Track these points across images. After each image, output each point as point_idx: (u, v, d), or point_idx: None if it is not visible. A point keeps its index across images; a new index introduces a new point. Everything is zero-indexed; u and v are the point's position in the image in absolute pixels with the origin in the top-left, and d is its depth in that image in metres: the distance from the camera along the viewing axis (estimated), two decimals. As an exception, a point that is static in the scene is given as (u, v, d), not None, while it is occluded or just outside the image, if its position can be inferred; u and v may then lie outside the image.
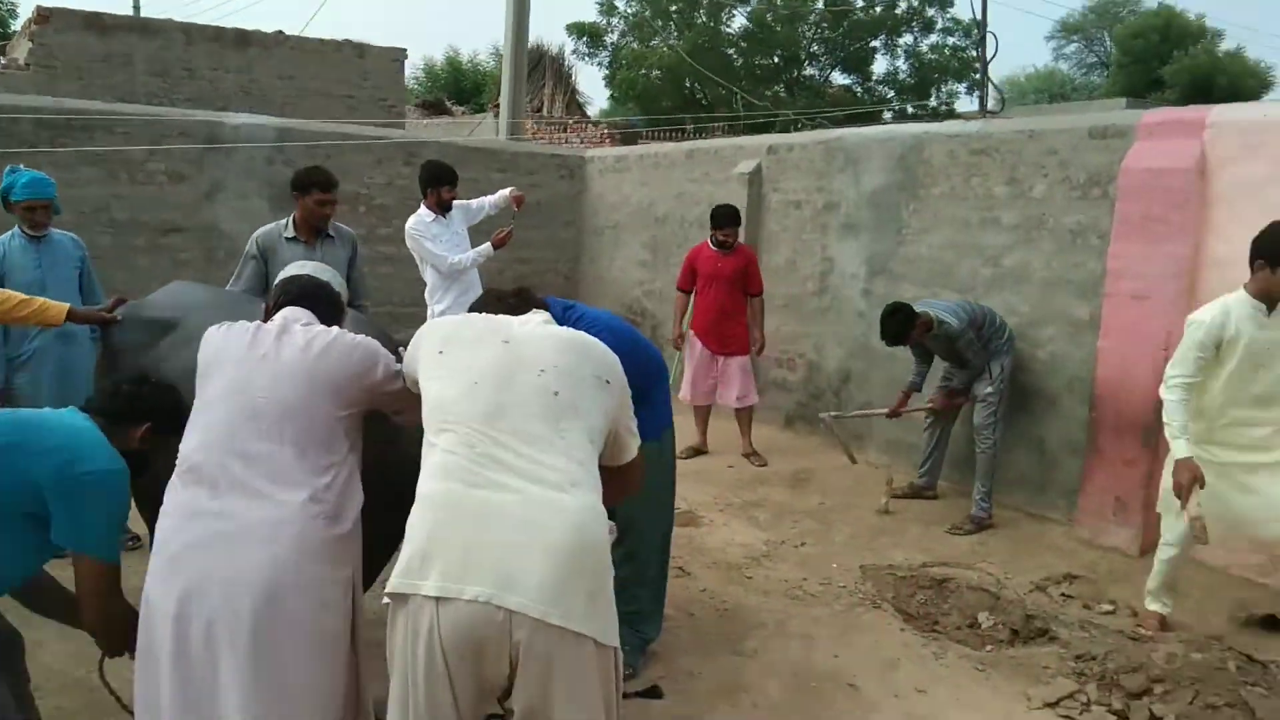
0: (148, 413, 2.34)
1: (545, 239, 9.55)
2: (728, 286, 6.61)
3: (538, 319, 2.33)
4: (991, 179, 5.73)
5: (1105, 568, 4.78)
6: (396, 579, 1.86)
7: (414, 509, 1.93)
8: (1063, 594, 4.47)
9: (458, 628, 1.81)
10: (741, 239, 7.52)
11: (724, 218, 6.57)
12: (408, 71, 16.41)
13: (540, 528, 1.87)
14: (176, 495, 2.13)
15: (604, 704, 1.92)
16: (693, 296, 6.84)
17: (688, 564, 4.68)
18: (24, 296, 3.25)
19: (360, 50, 14.36)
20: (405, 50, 14.85)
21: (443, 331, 2.23)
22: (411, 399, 2.29)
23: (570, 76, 24.42)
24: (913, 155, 6.26)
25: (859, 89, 25.39)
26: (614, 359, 2.28)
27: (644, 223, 8.85)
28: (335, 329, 2.36)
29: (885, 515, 5.53)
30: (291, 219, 4.80)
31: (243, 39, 13.52)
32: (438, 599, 1.81)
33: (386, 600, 1.89)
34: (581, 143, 18.25)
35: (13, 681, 2.50)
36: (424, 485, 1.96)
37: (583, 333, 2.31)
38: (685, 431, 6.60)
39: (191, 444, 2.17)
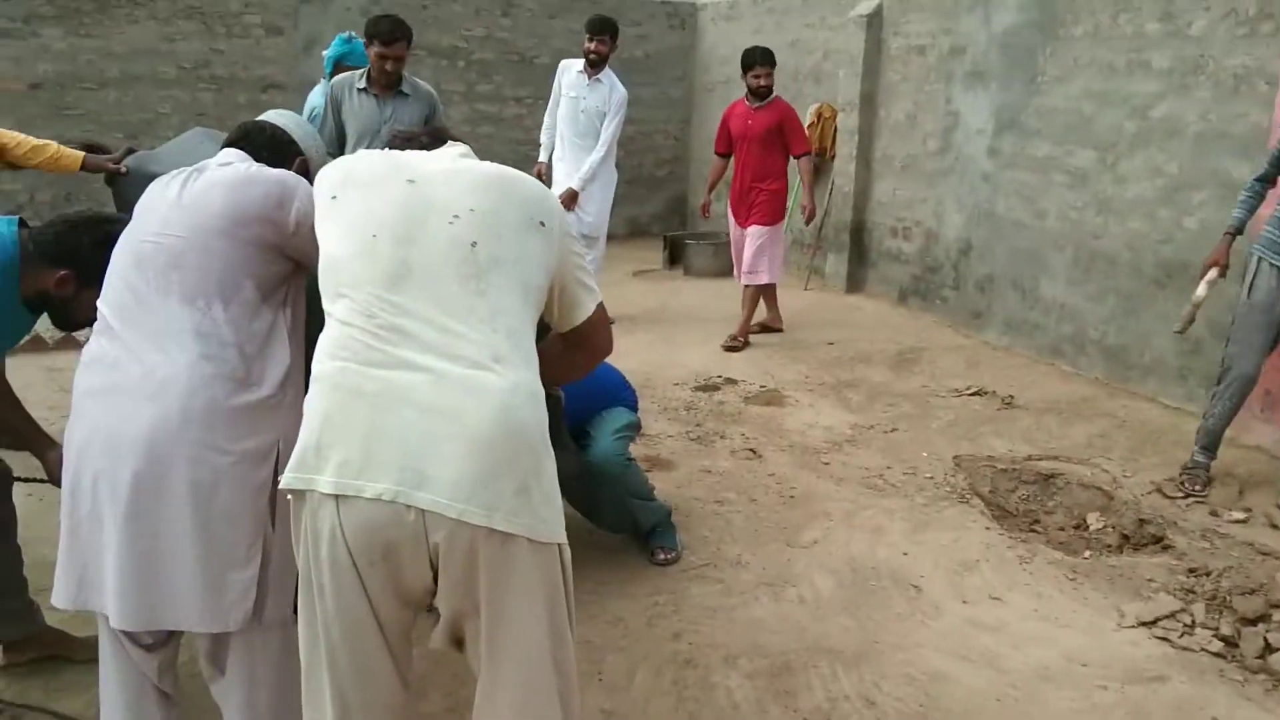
0: (69, 258, 2.16)
1: (654, 97, 9.01)
2: (758, 148, 5.84)
3: (452, 153, 1.93)
4: (1143, 14, 4.86)
5: (1245, 470, 4.17)
6: (290, 473, 1.59)
7: (310, 391, 1.64)
8: (1188, 495, 3.92)
9: (363, 530, 1.53)
10: (857, 91, 6.86)
11: (753, 56, 5.77)
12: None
13: (455, 413, 1.55)
14: (88, 343, 1.97)
15: (546, 608, 1.62)
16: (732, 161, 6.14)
17: (760, 445, 4.36)
18: (39, 141, 3.12)
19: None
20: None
21: (337, 172, 1.82)
22: None
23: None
24: (1055, -11, 5.40)
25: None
26: (547, 194, 1.89)
27: (756, 76, 8.16)
28: (234, 165, 2.05)
29: (1007, 406, 4.98)
30: (367, 70, 4.61)
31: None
32: (337, 496, 1.54)
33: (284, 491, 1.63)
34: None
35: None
36: (318, 364, 1.63)
37: (507, 167, 1.89)
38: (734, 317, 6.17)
39: (101, 296, 1.98)
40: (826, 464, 4.21)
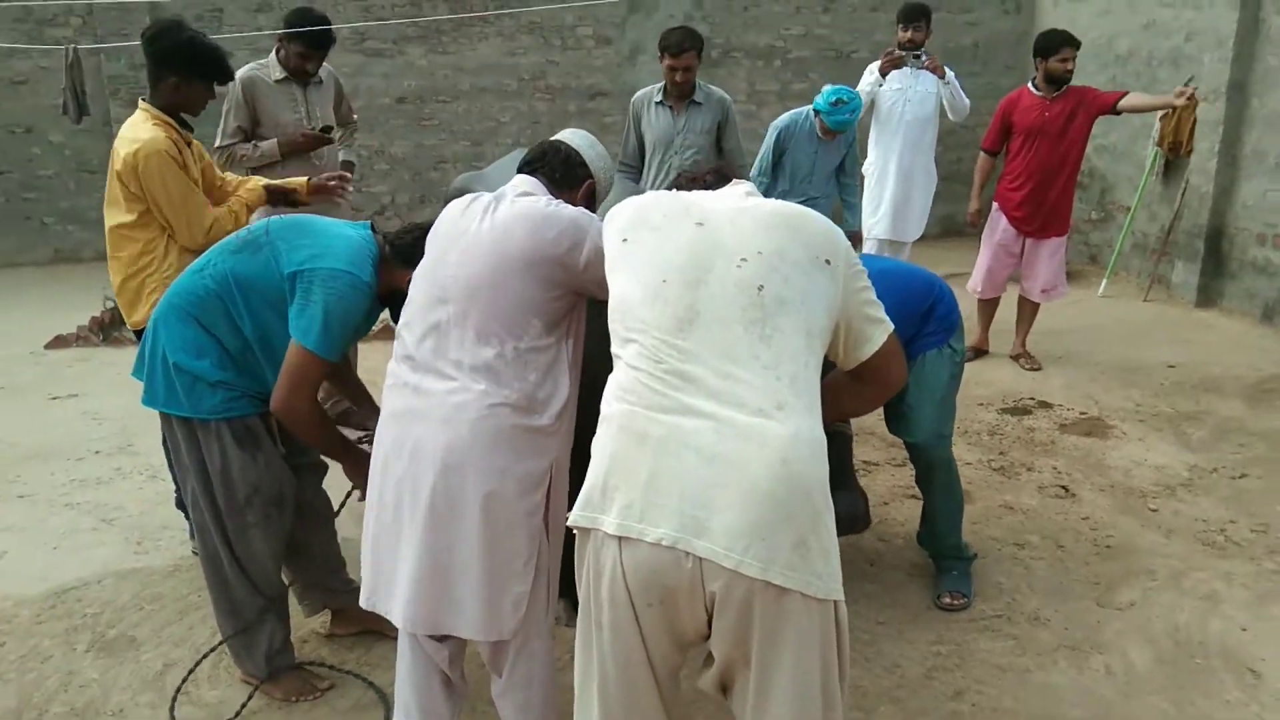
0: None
1: (983, 88, 8.42)
2: (1052, 143, 5.08)
3: (738, 192, 1.92)
4: None
5: None
6: (577, 511, 1.66)
7: (598, 431, 1.71)
8: None
9: (642, 571, 1.57)
10: (1225, 78, 6.00)
11: (1060, 38, 4.98)
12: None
13: (736, 462, 1.55)
14: (391, 364, 2.16)
15: (820, 664, 1.60)
16: (1002, 160, 5.41)
17: (1074, 483, 3.97)
18: (221, 211, 3.20)
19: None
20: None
21: (627, 214, 1.86)
22: None
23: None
24: None
25: None
26: (834, 230, 1.82)
27: (1102, 63, 7.39)
28: (540, 198, 2.13)
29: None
30: (665, 84, 4.74)
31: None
32: (620, 538, 1.58)
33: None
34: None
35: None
36: (606, 405, 1.69)
37: (793, 204, 1.85)
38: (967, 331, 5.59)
39: (402, 317, 2.17)
40: (1154, 511, 3.74)
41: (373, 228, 2.48)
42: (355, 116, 4.87)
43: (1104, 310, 6.52)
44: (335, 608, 2.94)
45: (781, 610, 1.55)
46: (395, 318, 2.35)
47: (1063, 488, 3.92)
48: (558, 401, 2.06)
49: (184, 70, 3.01)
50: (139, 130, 3.00)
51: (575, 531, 1.69)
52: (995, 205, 5.44)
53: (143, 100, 3.10)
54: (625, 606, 1.62)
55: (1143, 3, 6.94)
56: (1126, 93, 5.12)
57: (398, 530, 2.06)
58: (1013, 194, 5.29)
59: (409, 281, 2.24)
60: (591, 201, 2.34)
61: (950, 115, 5.58)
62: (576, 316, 2.16)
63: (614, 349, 1.76)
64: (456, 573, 2.02)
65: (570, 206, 2.15)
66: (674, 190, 1.96)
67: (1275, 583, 3.23)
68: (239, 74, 4.03)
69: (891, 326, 1.89)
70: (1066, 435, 4.47)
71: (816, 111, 4.85)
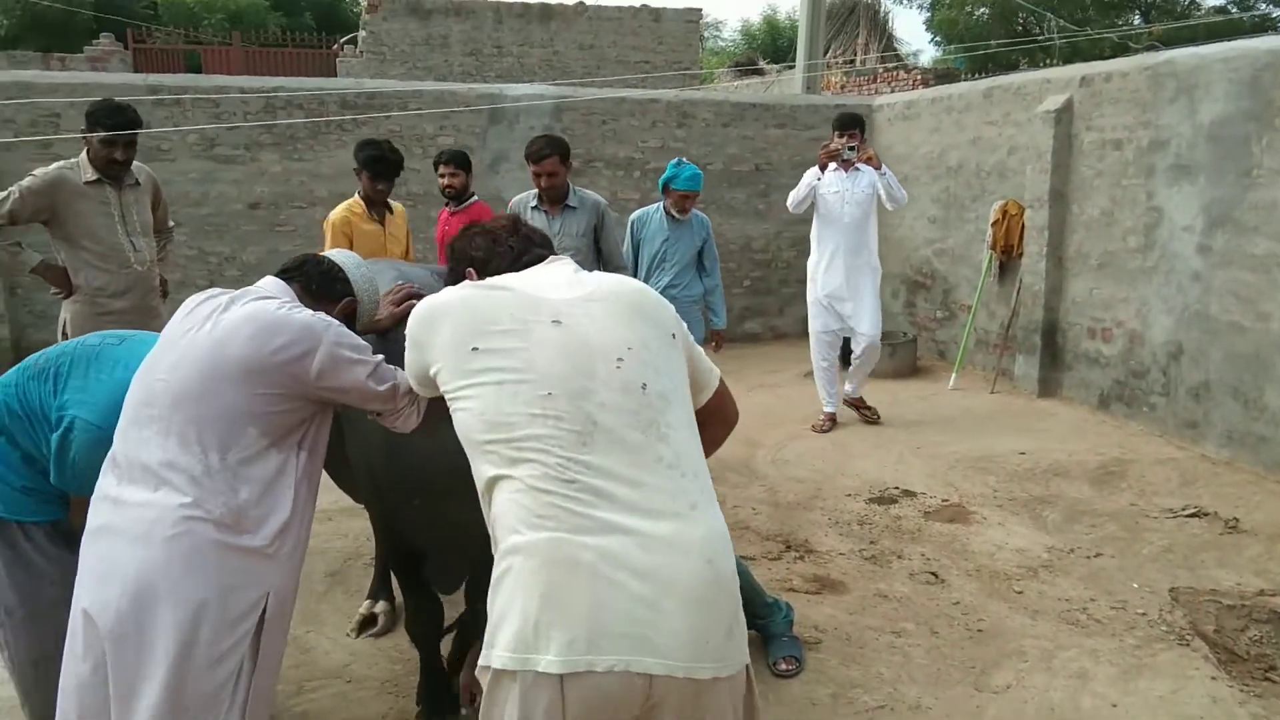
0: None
1: (829, 197, 8.92)
2: None
3: (564, 272, 1.89)
4: (1383, 95, 4.37)
5: None
6: (505, 654, 1.54)
7: (507, 563, 1.59)
8: None
9: (592, 702, 1.52)
10: (1046, 187, 6.52)
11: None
12: (725, 35, 16.27)
13: (668, 576, 1.56)
14: (100, 479, 1.99)
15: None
16: None
17: (943, 569, 4.03)
18: None
19: (656, 15, 14.38)
20: (700, 10, 14.69)
21: (463, 318, 1.75)
22: (395, 401, 2.02)
23: (886, 23, 22.99)
24: (1267, 76, 4.96)
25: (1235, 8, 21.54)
26: (662, 301, 1.89)
27: (934, 174, 7.95)
28: (273, 301, 2.02)
29: (1231, 531, 4.42)
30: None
31: (546, 13, 14.03)
32: (561, 676, 1.50)
33: (485, 669, 1.59)
34: (892, 91, 17.09)
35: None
36: (516, 535, 1.59)
37: (619, 278, 1.89)
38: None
39: (117, 428, 2.01)
40: (1019, 593, 3.82)
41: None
42: (172, 224, 4.71)
43: (955, 402, 6.80)
44: None
45: (716, 692, 1.60)
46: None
47: (933, 574, 3.97)
48: (275, 521, 1.89)
49: None
50: None
51: (489, 675, 1.58)
52: None
53: None
54: None
55: (968, 121, 7.54)
56: None
57: (91, 658, 1.86)
58: None
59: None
60: (350, 321, 2.24)
61: (888, 205, 5.95)
62: (315, 428, 2.03)
63: (495, 469, 1.65)
64: (136, 700, 1.81)
65: (307, 311, 2.02)
66: (490, 280, 1.89)
67: (1138, 658, 3.32)
68: (49, 168, 3.89)
69: (718, 371, 2.00)
70: (931, 522, 4.57)
71: (665, 187, 5.07)
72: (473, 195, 5.50)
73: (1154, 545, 4.26)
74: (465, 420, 1.69)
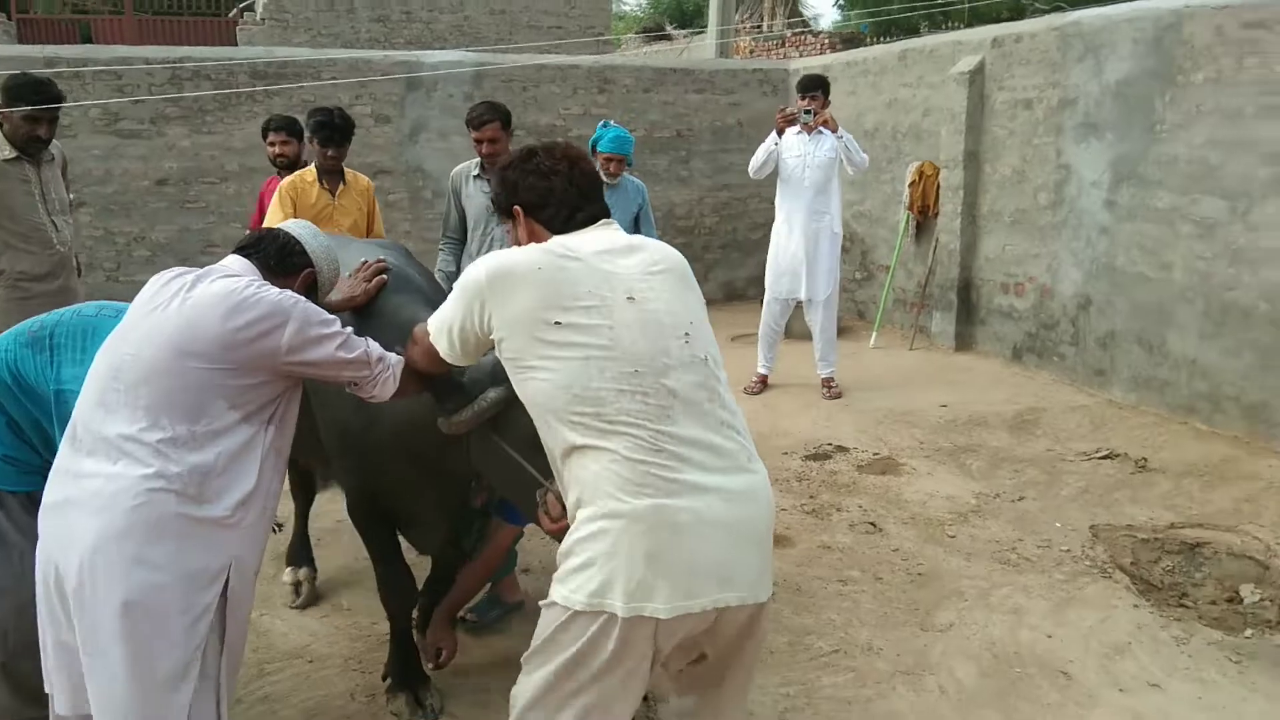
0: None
1: (747, 163, 9.02)
2: None
3: (617, 239, 1.99)
4: (1273, 57, 4.64)
5: None
6: (620, 601, 1.69)
7: (605, 524, 1.72)
8: (1357, 569, 3.61)
9: (676, 633, 1.76)
10: (960, 148, 6.74)
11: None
12: (631, 1, 16.16)
13: (748, 523, 1.82)
14: (58, 454, 1.98)
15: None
16: None
17: (880, 518, 4.20)
18: None
19: (567, -22, 14.23)
20: (612, -26, 14.56)
21: (543, 290, 1.82)
22: (369, 368, 2.05)
23: (793, -11, 23.16)
24: (1170, 36, 5.21)
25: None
26: (684, 261, 2.07)
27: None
28: (242, 279, 2.03)
29: (1141, 470, 4.69)
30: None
31: (456, -23, 13.73)
32: (657, 620, 1.72)
33: (555, 605, 1.76)
34: (800, 56, 17.27)
35: None
36: (617, 501, 1.72)
37: (661, 248, 2.01)
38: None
39: (80, 398, 2.00)
40: (953, 537, 4.02)
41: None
42: (72, 195, 4.50)
43: (877, 360, 7.02)
44: None
45: (765, 610, 1.88)
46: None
47: (871, 524, 4.14)
48: (237, 491, 1.91)
49: None
50: None
51: (573, 611, 1.72)
52: None
53: None
54: (645, 670, 1.77)
55: (884, 84, 7.71)
56: None
57: (57, 630, 1.90)
58: None
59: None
60: (312, 292, 2.25)
61: (849, 170, 5.95)
62: (285, 403, 2.05)
63: (582, 438, 1.76)
64: (97, 677, 1.84)
65: (274, 289, 2.04)
66: (562, 241, 1.94)
67: (1067, 591, 3.53)
68: None
69: None
70: (865, 475, 4.74)
71: (593, 149, 4.84)
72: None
73: (1072, 487, 4.51)
74: (543, 389, 1.81)
